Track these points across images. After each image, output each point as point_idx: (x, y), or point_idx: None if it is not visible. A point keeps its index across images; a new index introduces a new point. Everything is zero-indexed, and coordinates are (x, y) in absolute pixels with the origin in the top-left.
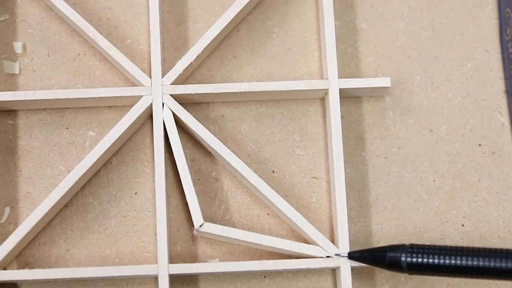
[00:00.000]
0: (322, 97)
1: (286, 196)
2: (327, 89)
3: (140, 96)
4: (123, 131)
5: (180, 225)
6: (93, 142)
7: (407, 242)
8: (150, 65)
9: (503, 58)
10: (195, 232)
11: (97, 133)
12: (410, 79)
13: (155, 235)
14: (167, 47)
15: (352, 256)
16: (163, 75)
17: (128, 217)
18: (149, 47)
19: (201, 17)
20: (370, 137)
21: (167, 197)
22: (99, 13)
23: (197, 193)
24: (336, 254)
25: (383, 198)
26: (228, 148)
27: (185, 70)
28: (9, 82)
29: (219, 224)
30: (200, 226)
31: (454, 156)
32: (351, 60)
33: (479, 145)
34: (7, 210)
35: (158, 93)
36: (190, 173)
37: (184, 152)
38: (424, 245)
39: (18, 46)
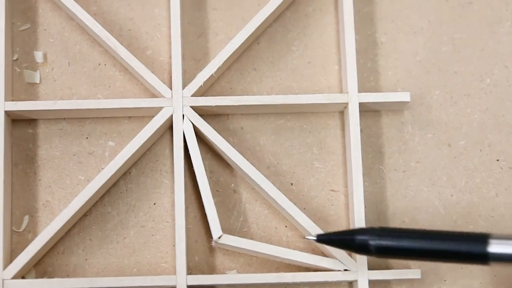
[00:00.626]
0: (341, 111)
1: (304, 208)
2: (347, 103)
3: (161, 108)
4: (143, 142)
5: (198, 236)
6: (113, 152)
7: None
8: (171, 77)
9: None
10: (213, 244)
11: (116, 143)
12: (429, 93)
13: (173, 246)
14: (188, 59)
15: (320, 239)
16: (183, 87)
17: (147, 228)
18: (170, 58)
19: (222, 29)
20: (388, 151)
21: (186, 208)
22: (120, 23)
23: (215, 205)
24: (304, 237)
25: (401, 212)
26: (247, 160)
27: (205, 82)
28: (30, 91)
29: (237, 235)
30: (219, 237)
31: (472, 171)
32: (371, 74)
33: (497, 160)
34: (26, 218)
35: (178, 104)
36: (209, 185)
37: (203, 164)
38: (392, 228)
39: (39, 56)
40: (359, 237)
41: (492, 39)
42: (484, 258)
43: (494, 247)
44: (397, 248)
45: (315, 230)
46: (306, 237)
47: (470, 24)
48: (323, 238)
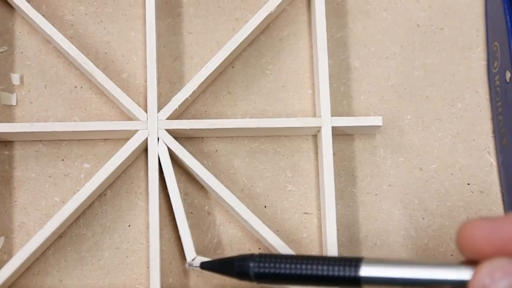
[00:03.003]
0: (314, 134)
1: (278, 231)
2: (320, 127)
3: (136, 130)
4: (118, 164)
5: (172, 258)
6: (88, 174)
7: None
8: (146, 99)
9: (491, 99)
10: (187, 266)
11: (92, 165)
12: (401, 118)
13: (148, 267)
14: (163, 82)
15: (204, 266)
16: (158, 110)
17: (121, 249)
18: (145, 81)
19: (197, 53)
20: (361, 174)
21: (160, 229)
22: (96, 46)
23: (190, 227)
24: (188, 264)
25: (373, 234)
26: (221, 182)
27: (180, 105)
28: (6, 113)
29: (211, 257)
30: (193, 260)
31: (443, 194)
32: (344, 98)
33: (468, 184)
34: (1, 240)
35: (153, 128)
36: (184, 207)
37: (178, 186)
38: (271, 254)
39: (15, 78)
40: (239, 263)
41: (463, 65)
42: (356, 282)
43: (366, 271)
44: (274, 274)
45: (289, 252)
46: (189, 264)
47: (442, 50)
48: (206, 266)
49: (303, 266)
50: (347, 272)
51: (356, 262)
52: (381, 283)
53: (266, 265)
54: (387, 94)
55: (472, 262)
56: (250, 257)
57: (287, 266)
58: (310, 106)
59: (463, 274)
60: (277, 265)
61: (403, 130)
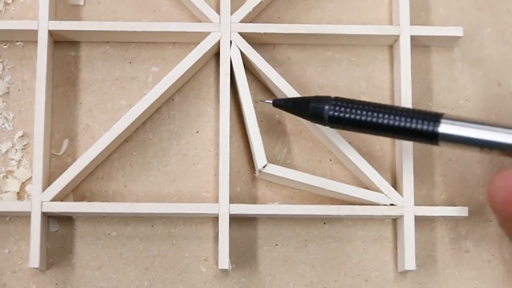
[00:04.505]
0: (390, 45)
1: (350, 142)
2: (398, 36)
3: (208, 33)
4: (188, 67)
5: (240, 167)
6: (156, 78)
7: (470, 194)
8: (218, 3)
9: None
10: (257, 173)
11: (160, 69)
12: (481, 31)
13: (215, 175)
14: None
15: (277, 103)
16: (231, 13)
17: (188, 156)
18: None
19: None
20: (437, 88)
21: (230, 137)
22: None
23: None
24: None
25: (448, 149)
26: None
27: (254, 9)
28: (73, 13)
29: (281, 166)
30: (264, 167)
31: None
32: (421, 9)
33: None
34: (65, 142)
35: (226, 30)
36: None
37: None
38: (348, 99)
39: None
40: (313, 105)
41: None
42: (433, 137)
43: (445, 128)
44: (350, 119)
45: (362, 163)
46: (262, 100)
47: None
48: (279, 103)
49: (380, 115)
50: (425, 126)
51: (436, 117)
52: (459, 141)
53: (342, 109)
54: (466, 6)
55: None
56: (326, 99)
57: (364, 112)
58: (387, 16)
59: None
60: (353, 111)
61: (482, 44)
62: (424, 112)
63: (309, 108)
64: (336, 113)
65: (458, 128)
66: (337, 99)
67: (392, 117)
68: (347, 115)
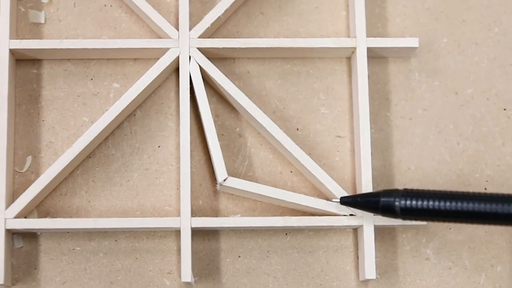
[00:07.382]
0: (348, 56)
1: (310, 154)
2: (355, 48)
3: (167, 49)
4: (148, 83)
5: (202, 180)
6: (117, 94)
7: None
8: (177, 19)
9: None
10: (218, 187)
11: (121, 85)
12: (437, 41)
13: (177, 189)
14: (194, 1)
15: (345, 201)
16: (190, 29)
17: (151, 170)
18: (176, 0)
19: None
20: (395, 98)
21: (191, 151)
22: None
23: (220, 148)
24: (327, 200)
25: (407, 159)
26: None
27: (212, 24)
28: (34, 31)
29: (242, 179)
30: (224, 180)
31: (479, 119)
32: (378, 20)
33: (504, 109)
34: (29, 159)
35: (185, 46)
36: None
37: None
38: (418, 190)
39: None
40: (384, 199)
41: None
42: None
43: None
44: (422, 209)
45: (322, 175)
46: (330, 200)
47: None
48: (347, 200)
49: (456, 201)
50: (506, 209)
51: None
52: None
53: (413, 199)
54: (422, 17)
55: None
56: (395, 191)
57: (436, 200)
58: (344, 28)
59: None
60: (425, 200)
61: (439, 54)
62: (503, 196)
63: (379, 202)
64: (408, 204)
65: None
66: (406, 190)
67: (469, 202)
68: (419, 204)
